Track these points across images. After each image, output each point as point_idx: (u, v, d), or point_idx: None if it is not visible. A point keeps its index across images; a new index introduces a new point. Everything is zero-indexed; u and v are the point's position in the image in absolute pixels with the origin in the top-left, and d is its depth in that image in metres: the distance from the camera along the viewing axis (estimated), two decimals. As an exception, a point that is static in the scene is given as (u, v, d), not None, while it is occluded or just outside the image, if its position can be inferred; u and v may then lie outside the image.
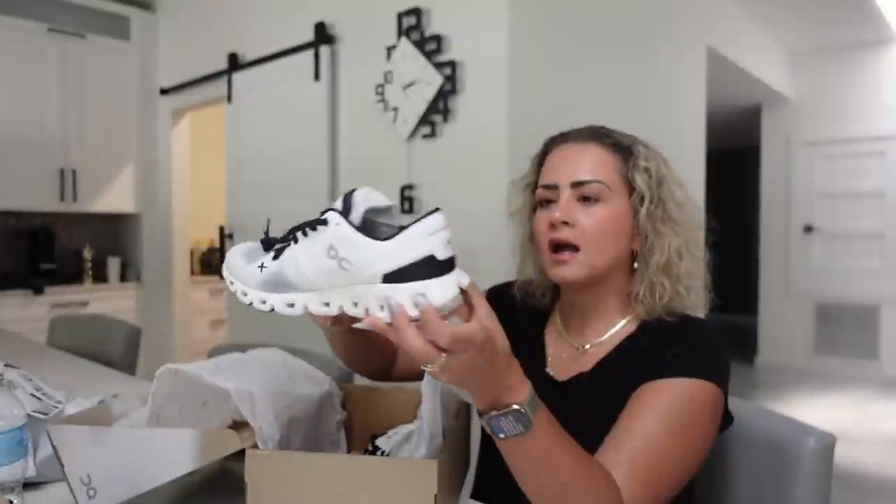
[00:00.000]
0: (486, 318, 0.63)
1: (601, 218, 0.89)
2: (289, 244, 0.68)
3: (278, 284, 0.68)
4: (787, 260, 5.49)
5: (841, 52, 5.15)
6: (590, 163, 0.91)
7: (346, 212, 0.65)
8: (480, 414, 0.70)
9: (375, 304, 0.62)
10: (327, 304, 0.66)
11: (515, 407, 0.67)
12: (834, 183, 5.27)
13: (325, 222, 0.65)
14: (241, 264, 0.71)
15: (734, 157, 7.40)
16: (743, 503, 0.97)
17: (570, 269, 0.90)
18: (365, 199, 0.67)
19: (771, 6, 4.34)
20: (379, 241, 0.62)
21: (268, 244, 0.71)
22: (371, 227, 0.67)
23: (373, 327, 0.63)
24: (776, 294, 5.56)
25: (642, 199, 0.90)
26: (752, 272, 5.91)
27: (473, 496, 0.99)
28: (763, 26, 4.71)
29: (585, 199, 0.90)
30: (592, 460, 0.75)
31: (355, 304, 0.64)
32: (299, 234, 0.67)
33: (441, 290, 0.61)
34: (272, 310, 0.68)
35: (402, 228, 0.62)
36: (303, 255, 0.66)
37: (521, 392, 0.68)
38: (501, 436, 0.69)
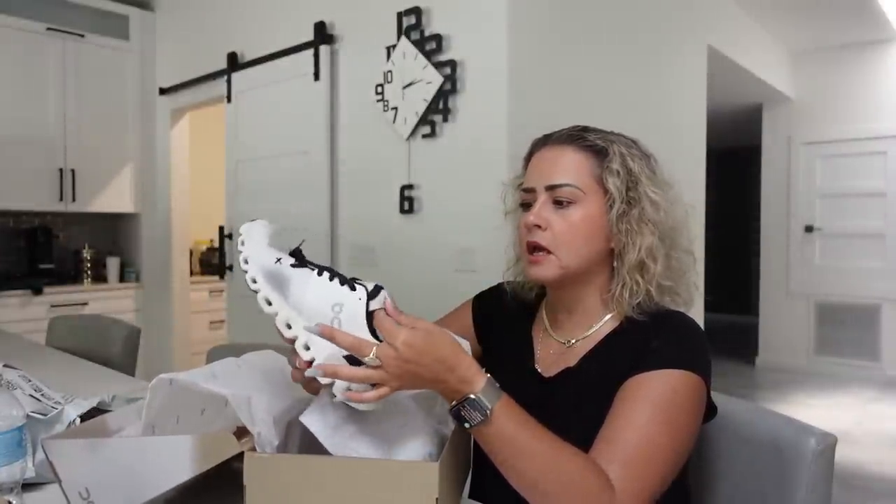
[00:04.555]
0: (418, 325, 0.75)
1: (574, 220, 0.92)
2: (313, 269, 0.77)
3: (277, 284, 0.76)
4: (788, 260, 5.48)
5: (842, 52, 5.15)
6: (564, 166, 0.94)
7: (371, 296, 0.76)
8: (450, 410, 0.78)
9: (322, 357, 0.73)
10: (290, 327, 0.75)
11: (472, 396, 0.75)
12: (835, 183, 5.26)
13: (354, 289, 0.76)
14: (263, 241, 0.79)
15: (734, 156, 7.40)
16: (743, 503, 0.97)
17: (542, 270, 0.93)
18: (382, 300, 0.77)
19: (772, 5, 4.34)
20: (373, 338, 0.74)
21: (295, 254, 0.79)
22: None
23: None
24: (776, 294, 5.55)
25: (614, 200, 0.92)
26: (753, 272, 5.90)
27: (471, 496, 0.99)
28: (764, 25, 4.71)
29: (560, 202, 0.93)
30: (573, 449, 0.78)
31: (307, 348, 0.74)
32: (329, 274, 0.76)
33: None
34: (256, 291, 0.76)
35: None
36: (317, 287, 0.75)
37: (476, 383, 0.76)
38: (466, 426, 0.76)
